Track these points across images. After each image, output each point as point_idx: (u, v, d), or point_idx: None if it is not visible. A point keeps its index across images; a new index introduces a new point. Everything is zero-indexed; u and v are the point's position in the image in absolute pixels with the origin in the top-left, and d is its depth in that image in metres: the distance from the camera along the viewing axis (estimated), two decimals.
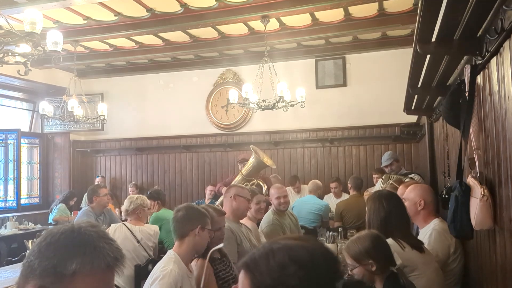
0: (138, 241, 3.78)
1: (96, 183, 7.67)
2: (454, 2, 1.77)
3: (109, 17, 5.47)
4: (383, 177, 4.95)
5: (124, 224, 3.87)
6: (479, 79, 2.26)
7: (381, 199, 2.56)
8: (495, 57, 1.96)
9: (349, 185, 5.83)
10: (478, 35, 2.09)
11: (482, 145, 2.22)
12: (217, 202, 5.76)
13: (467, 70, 2.22)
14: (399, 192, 3.22)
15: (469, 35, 2.10)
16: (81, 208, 6.52)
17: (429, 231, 2.80)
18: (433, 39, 2.22)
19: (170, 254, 2.39)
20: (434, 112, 4.13)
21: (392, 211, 2.49)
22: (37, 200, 8.10)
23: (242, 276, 0.99)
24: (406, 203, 2.83)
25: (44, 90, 7.85)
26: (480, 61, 2.12)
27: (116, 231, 3.77)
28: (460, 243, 2.82)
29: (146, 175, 8.18)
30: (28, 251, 1.05)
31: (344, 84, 7.21)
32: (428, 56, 2.52)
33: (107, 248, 1.04)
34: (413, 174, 4.90)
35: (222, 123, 7.79)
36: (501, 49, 1.85)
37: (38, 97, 8.03)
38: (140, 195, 4.20)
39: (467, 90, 2.23)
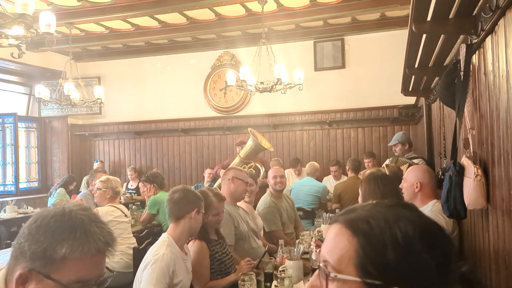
0: (126, 215, 4.02)
1: (94, 168, 7.70)
2: None
3: None
4: (391, 158, 4.92)
5: (113, 206, 3.94)
6: (475, 58, 2.24)
7: (376, 181, 2.57)
8: (490, 36, 1.94)
9: (347, 167, 5.84)
10: (473, 13, 2.06)
11: (477, 125, 2.22)
12: (215, 185, 5.79)
13: (463, 49, 2.20)
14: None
15: (464, 13, 2.07)
16: (80, 191, 6.55)
17: (425, 213, 2.81)
18: (429, 18, 2.20)
19: (164, 237, 2.41)
20: (432, 93, 4.11)
21: (387, 193, 2.50)
22: (36, 184, 8.13)
23: (343, 234, 0.77)
24: (404, 184, 2.84)
25: (40, 73, 7.80)
26: (476, 40, 2.09)
27: (107, 213, 3.81)
28: (457, 225, 2.84)
29: (145, 159, 8.20)
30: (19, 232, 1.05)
31: (343, 66, 7.17)
32: (424, 36, 2.49)
33: (98, 233, 1.03)
34: (418, 160, 4.72)
35: (220, 106, 7.77)
36: (496, 27, 1.83)
37: (34, 80, 7.99)
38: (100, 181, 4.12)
39: (462, 69, 2.21)
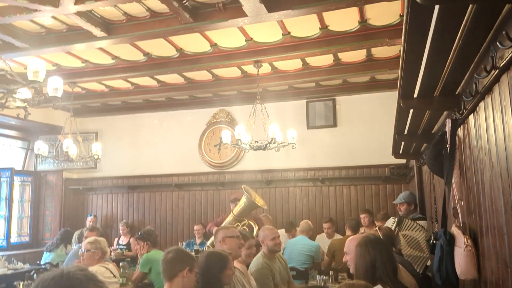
0: (114, 276, 4.00)
1: (88, 222, 7.63)
2: (432, 64, 1.92)
3: (107, 60, 5.64)
4: (396, 219, 4.67)
5: (103, 266, 3.94)
6: (460, 131, 2.39)
7: (367, 245, 2.61)
8: (472, 114, 2.10)
9: (346, 226, 5.89)
10: (456, 92, 2.24)
11: (465, 195, 2.33)
12: (208, 243, 5.76)
13: (448, 124, 2.36)
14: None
15: (448, 92, 2.25)
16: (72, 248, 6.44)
17: None
18: (415, 95, 2.37)
19: None
20: (421, 156, 4.26)
21: (377, 257, 2.53)
22: (26, 238, 7.98)
23: None
24: (348, 257, 2.81)
25: (40, 128, 7.90)
26: (460, 117, 2.25)
27: (97, 274, 3.81)
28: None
29: (138, 214, 8.15)
30: None
31: (334, 124, 7.37)
32: (412, 109, 2.66)
33: None
34: (424, 222, 4.49)
35: (214, 162, 7.87)
36: (477, 108, 1.99)
37: (32, 135, 8.09)
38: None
39: (448, 142, 2.36)
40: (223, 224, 5.63)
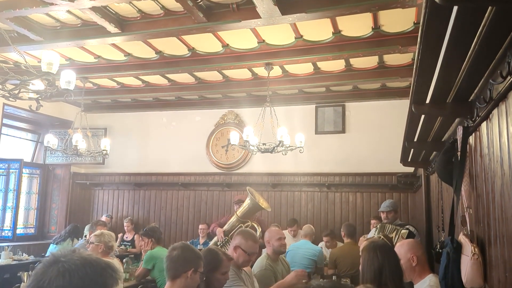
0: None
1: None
2: (447, 69, 1.91)
3: (120, 57, 5.68)
4: (378, 225, 4.95)
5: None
6: (471, 139, 2.37)
7: (375, 250, 2.58)
8: (485, 122, 2.08)
9: (342, 233, 5.82)
10: (469, 99, 2.22)
11: (474, 203, 2.30)
12: (211, 242, 5.76)
13: (460, 131, 2.34)
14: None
15: (461, 99, 2.23)
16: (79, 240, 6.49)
17: None
18: (428, 101, 2.35)
19: None
20: (430, 165, 4.23)
21: (385, 263, 2.51)
22: (32, 230, 8.05)
23: None
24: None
25: (50, 122, 7.99)
26: (472, 124, 2.24)
27: None
28: None
29: (143, 211, 8.18)
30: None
31: (343, 131, 7.35)
32: (423, 115, 2.65)
33: None
34: (408, 226, 4.86)
35: (221, 163, 7.88)
36: (490, 115, 1.97)
37: (43, 128, 8.17)
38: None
39: (459, 150, 2.34)
40: (227, 225, 5.63)
